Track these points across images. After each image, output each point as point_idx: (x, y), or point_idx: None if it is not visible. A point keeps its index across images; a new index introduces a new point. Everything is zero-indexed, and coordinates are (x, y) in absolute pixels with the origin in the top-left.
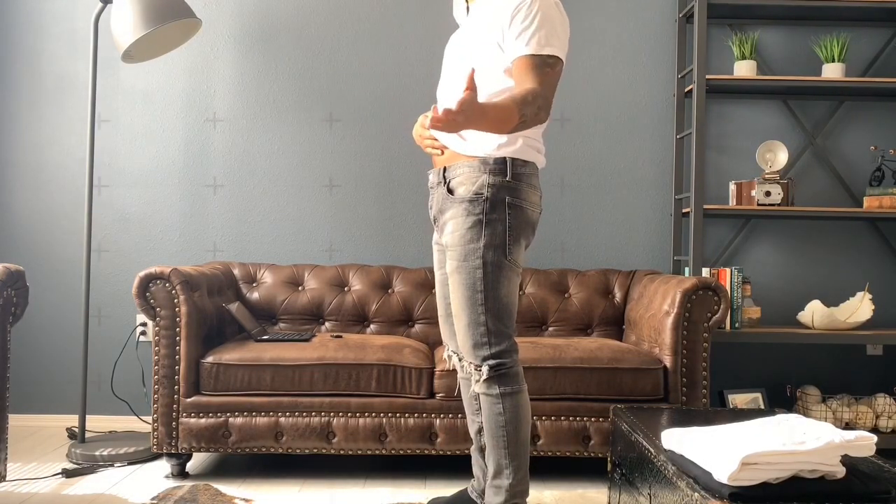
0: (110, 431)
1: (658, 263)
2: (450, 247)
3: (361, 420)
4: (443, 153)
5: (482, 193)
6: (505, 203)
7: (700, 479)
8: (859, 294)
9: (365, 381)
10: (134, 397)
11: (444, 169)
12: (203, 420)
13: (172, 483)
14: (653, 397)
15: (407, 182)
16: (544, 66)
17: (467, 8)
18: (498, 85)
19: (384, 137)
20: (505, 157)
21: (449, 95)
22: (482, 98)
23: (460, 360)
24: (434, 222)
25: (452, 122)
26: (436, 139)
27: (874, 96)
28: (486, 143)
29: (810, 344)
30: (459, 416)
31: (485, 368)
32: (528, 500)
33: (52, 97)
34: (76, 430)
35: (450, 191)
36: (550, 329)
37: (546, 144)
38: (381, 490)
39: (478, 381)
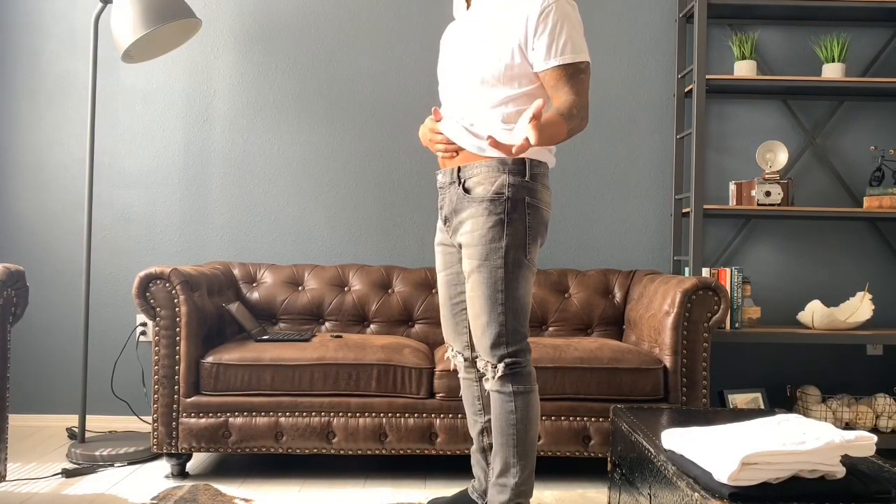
0: (110, 431)
1: (658, 263)
2: (469, 246)
3: (361, 420)
4: (458, 154)
5: (503, 193)
6: (524, 203)
7: (700, 479)
8: (859, 294)
9: (365, 381)
10: (134, 397)
11: (458, 169)
12: (203, 420)
13: (172, 483)
14: (653, 397)
15: (407, 182)
16: (579, 74)
17: (468, 3)
18: (507, 90)
19: (384, 137)
20: (523, 158)
21: (452, 94)
22: (485, 99)
23: (465, 360)
24: (445, 223)
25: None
26: (450, 142)
27: (874, 96)
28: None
29: (810, 344)
30: (459, 416)
31: (500, 367)
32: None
33: (52, 97)
34: (76, 430)
35: (466, 190)
36: (550, 329)
37: None
38: (381, 490)
39: (492, 379)
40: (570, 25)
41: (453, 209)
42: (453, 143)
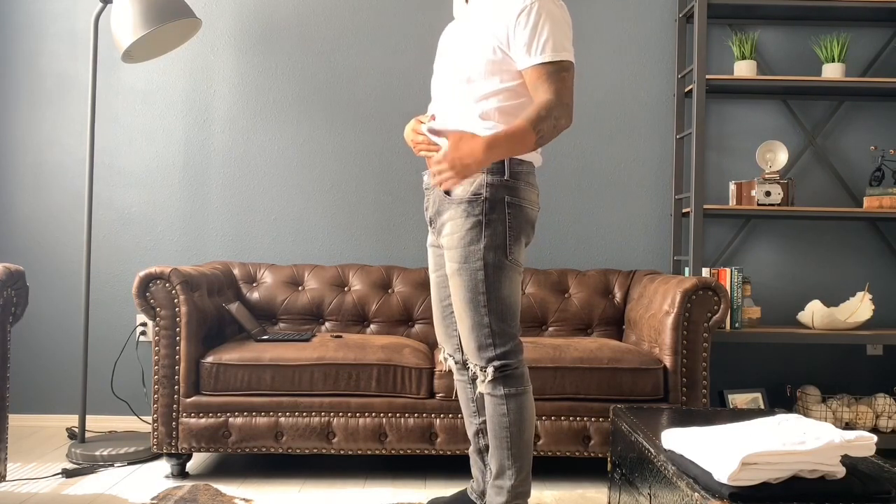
0: (110, 431)
1: (658, 263)
2: (449, 248)
3: (361, 420)
4: None
5: (481, 194)
6: (504, 202)
7: (700, 479)
8: (859, 294)
9: (365, 381)
10: (134, 397)
11: None
12: (203, 420)
13: (172, 483)
14: (653, 397)
15: (407, 182)
16: (560, 72)
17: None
18: (488, 86)
19: (384, 137)
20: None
21: (438, 90)
22: (466, 95)
23: (456, 363)
24: (430, 224)
25: (451, 178)
26: (433, 144)
27: (874, 96)
28: None
29: (810, 344)
30: (459, 416)
31: (490, 370)
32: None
33: (52, 97)
34: (76, 430)
35: (446, 192)
36: (550, 329)
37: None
38: (381, 490)
39: (483, 381)
40: (553, 24)
41: (436, 211)
42: (435, 145)
